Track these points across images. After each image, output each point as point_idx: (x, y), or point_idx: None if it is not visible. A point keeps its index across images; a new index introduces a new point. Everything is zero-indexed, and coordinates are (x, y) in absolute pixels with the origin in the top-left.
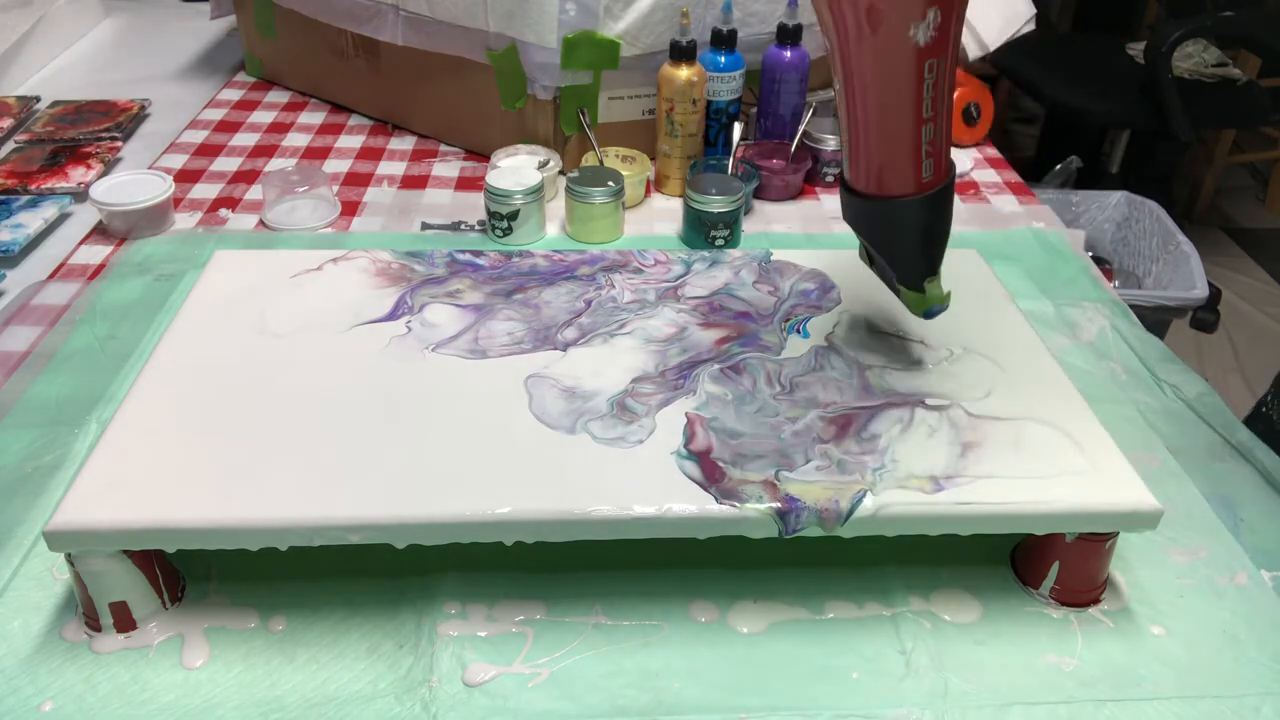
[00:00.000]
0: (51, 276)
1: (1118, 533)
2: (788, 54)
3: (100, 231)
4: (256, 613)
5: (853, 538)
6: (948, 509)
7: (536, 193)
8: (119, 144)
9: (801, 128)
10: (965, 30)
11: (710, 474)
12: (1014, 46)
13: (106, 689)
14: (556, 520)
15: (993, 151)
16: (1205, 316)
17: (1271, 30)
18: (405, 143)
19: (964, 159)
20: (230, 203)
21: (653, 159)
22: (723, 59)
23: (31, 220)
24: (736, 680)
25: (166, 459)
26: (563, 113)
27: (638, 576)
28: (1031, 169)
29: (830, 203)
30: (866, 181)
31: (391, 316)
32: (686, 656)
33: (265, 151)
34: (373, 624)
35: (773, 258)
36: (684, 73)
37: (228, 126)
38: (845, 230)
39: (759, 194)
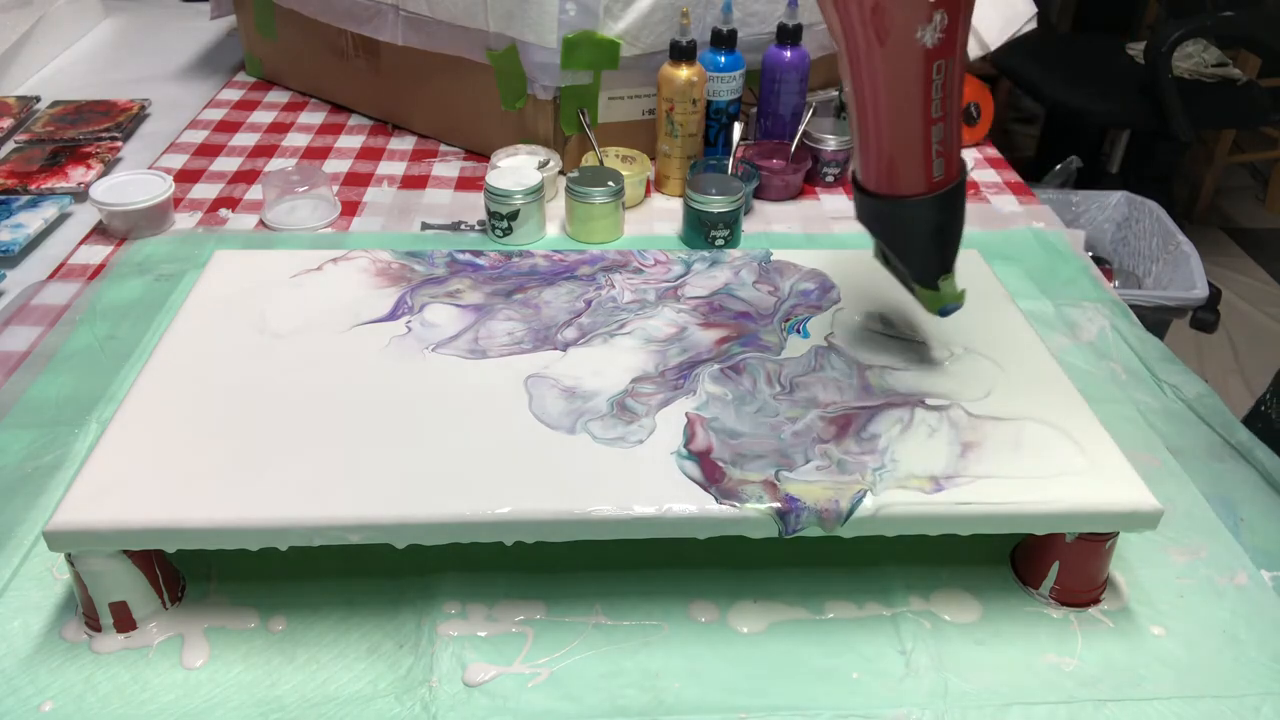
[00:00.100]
0: (51, 276)
1: (1118, 533)
2: (788, 54)
3: (100, 231)
4: (256, 613)
5: (853, 538)
6: (948, 509)
7: (536, 193)
8: (119, 144)
9: (801, 128)
10: None
11: (710, 474)
12: (1014, 46)
13: (106, 689)
14: (556, 520)
15: (993, 151)
16: (1205, 316)
17: (1271, 30)
18: (405, 143)
19: (964, 159)
20: (230, 203)
21: (653, 159)
22: (723, 59)
23: (31, 220)
24: (736, 680)
25: (166, 459)
26: (563, 113)
27: (638, 576)
28: (1031, 169)
29: (830, 203)
30: (878, 181)
31: (391, 316)
32: (686, 656)
33: (265, 151)
34: (373, 624)
35: (773, 258)
36: (684, 73)
37: (228, 126)
38: (845, 230)
39: (759, 194)
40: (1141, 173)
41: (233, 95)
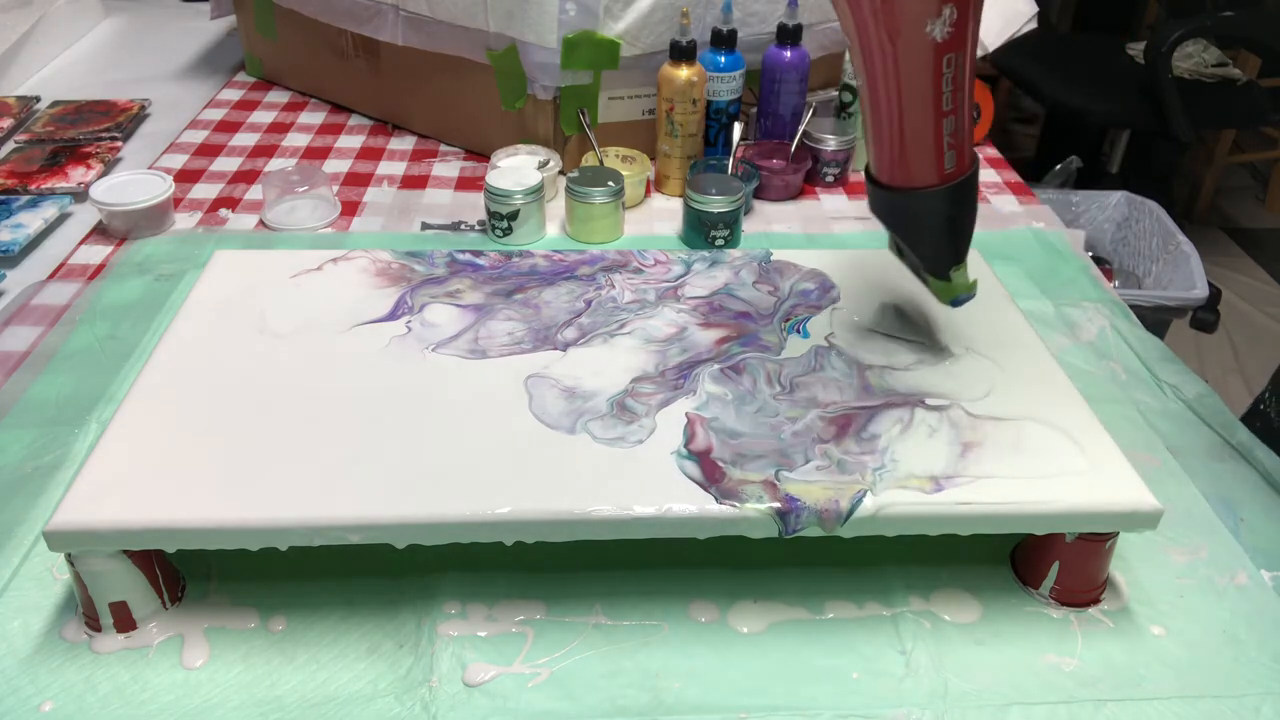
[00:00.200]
0: (51, 276)
1: (1118, 533)
2: (788, 54)
3: (100, 231)
4: (256, 613)
5: (853, 538)
6: (948, 509)
7: (536, 193)
8: (119, 144)
9: (801, 128)
10: None
11: (710, 474)
12: (1014, 46)
13: (106, 689)
14: (556, 520)
15: (993, 151)
16: (1205, 316)
17: (1271, 30)
18: (405, 143)
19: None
20: (230, 203)
21: (653, 159)
22: (723, 59)
23: (31, 220)
24: (736, 680)
25: (166, 459)
26: (563, 113)
27: (638, 576)
28: (1031, 169)
29: (830, 203)
30: (891, 174)
31: (391, 316)
32: (686, 656)
33: (265, 151)
34: (373, 624)
35: (773, 258)
36: (684, 73)
37: (228, 126)
38: (845, 230)
39: (759, 194)
40: (1141, 173)
41: (233, 95)
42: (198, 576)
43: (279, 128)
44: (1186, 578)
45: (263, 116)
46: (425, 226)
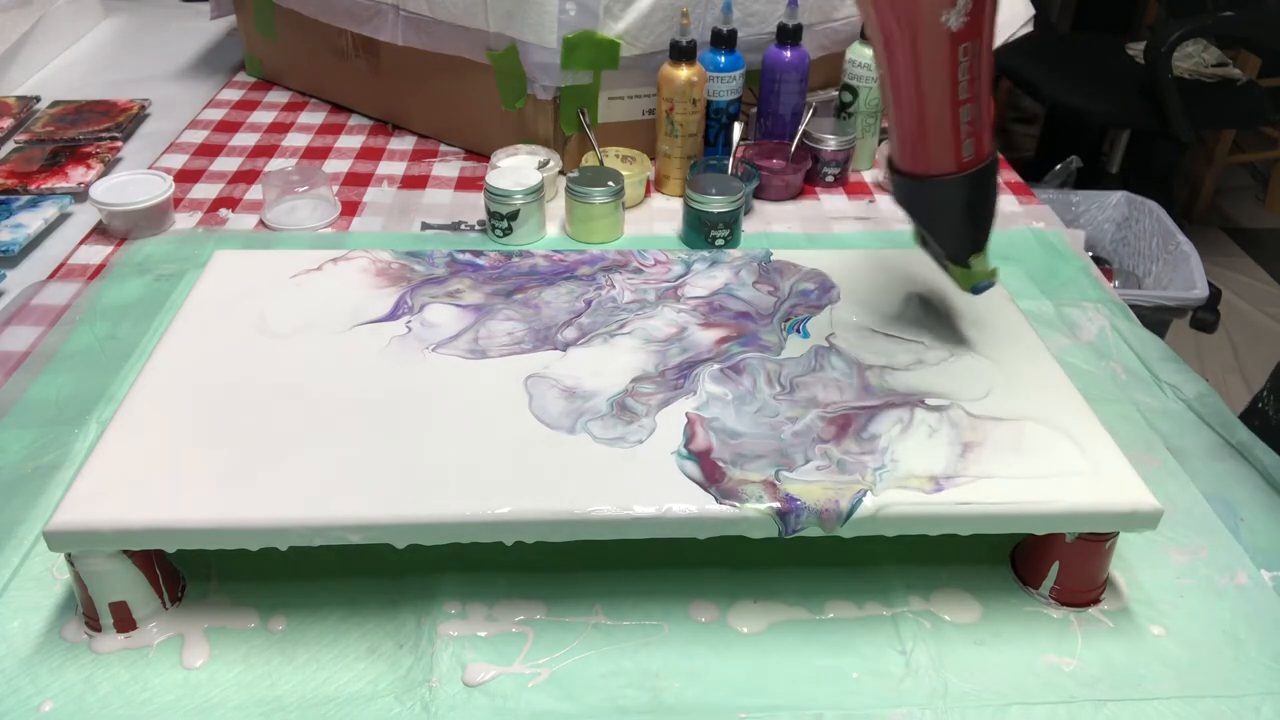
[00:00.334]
0: (51, 276)
1: (1118, 533)
2: (788, 54)
3: (100, 231)
4: (256, 613)
5: (853, 538)
6: (948, 509)
7: (536, 193)
8: (119, 144)
9: (801, 128)
10: None
11: (710, 474)
12: (1014, 46)
13: (106, 689)
14: (556, 520)
15: None
16: (1205, 316)
17: (1271, 30)
18: (405, 143)
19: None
20: (230, 203)
21: (653, 159)
22: (723, 59)
23: (31, 220)
24: (736, 680)
25: (166, 459)
26: (563, 113)
27: (638, 576)
28: (1031, 169)
29: (830, 203)
30: (912, 162)
31: (391, 316)
32: (686, 656)
33: (265, 151)
34: (373, 624)
35: (773, 258)
36: (684, 73)
37: (228, 126)
38: (845, 230)
39: (759, 194)
40: (1141, 173)
41: (233, 95)
42: (198, 576)
43: (279, 128)
44: (1186, 578)
45: (263, 116)
46: (425, 226)
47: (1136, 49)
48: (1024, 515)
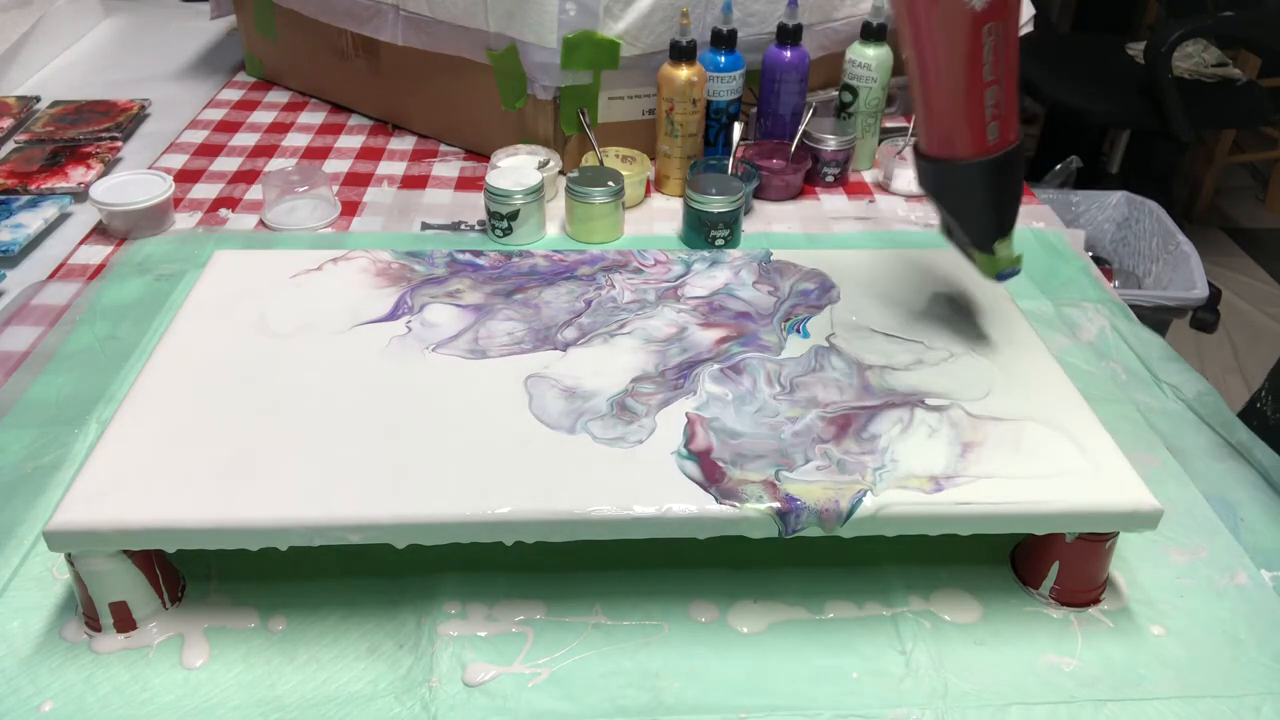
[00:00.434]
0: (51, 276)
1: (1118, 533)
2: (788, 54)
3: (100, 231)
4: (256, 613)
5: (853, 538)
6: (948, 509)
7: (536, 193)
8: (119, 144)
9: (801, 128)
10: None
11: (710, 474)
12: None
13: (106, 689)
14: (556, 520)
15: None
16: (1205, 316)
17: (1271, 30)
18: (405, 143)
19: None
20: (230, 203)
21: (653, 159)
22: (723, 59)
23: (31, 220)
24: (736, 680)
25: (167, 459)
26: (563, 113)
27: (638, 576)
28: (1031, 169)
29: (830, 203)
30: (938, 145)
31: (391, 316)
32: (686, 656)
33: (265, 151)
34: (373, 624)
35: (773, 258)
36: (684, 73)
37: (228, 126)
38: (845, 230)
39: (759, 194)
40: (1141, 173)
41: (233, 95)
42: (198, 576)
43: (279, 128)
44: (1186, 578)
45: (263, 116)
46: (425, 226)
47: (1136, 49)
48: (1024, 515)
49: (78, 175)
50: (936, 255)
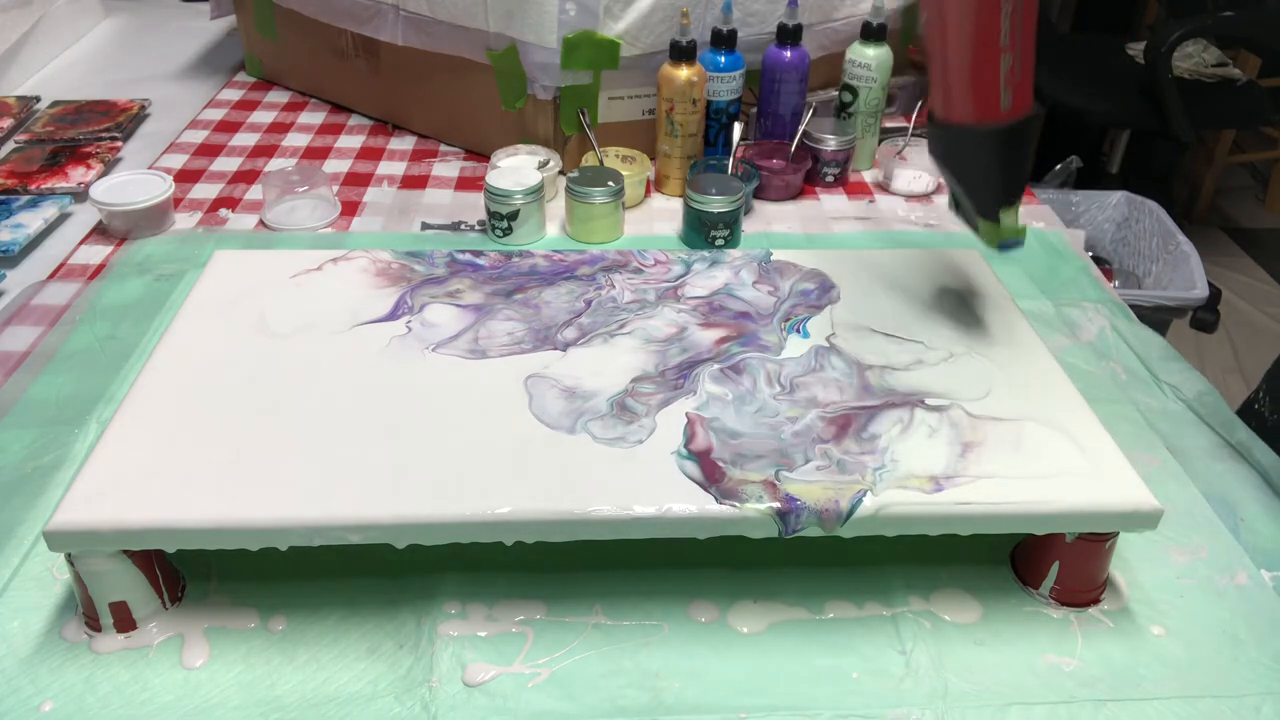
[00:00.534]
0: (51, 276)
1: (1118, 533)
2: (788, 54)
3: (100, 231)
4: (256, 613)
5: (853, 538)
6: (948, 509)
7: (536, 193)
8: (119, 144)
9: (801, 128)
10: None
11: (710, 474)
12: None
13: (106, 689)
14: (556, 520)
15: None
16: (1205, 316)
17: (1271, 30)
18: (405, 143)
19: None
20: (230, 203)
21: (653, 159)
22: (723, 59)
23: (31, 220)
24: (736, 680)
25: (166, 459)
26: (563, 113)
27: (638, 576)
28: (1031, 169)
29: (830, 203)
30: (950, 110)
31: (391, 316)
32: (686, 656)
33: (265, 151)
34: (373, 624)
35: (773, 258)
36: (684, 73)
37: (228, 126)
38: (845, 230)
39: (759, 194)
40: (1141, 173)
41: (233, 95)
42: (198, 576)
43: (279, 128)
44: (1186, 578)
45: (263, 116)
46: (425, 226)
47: (1136, 49)
48: (1024, 515)
49: (78, 175)
50: (937, 255)
